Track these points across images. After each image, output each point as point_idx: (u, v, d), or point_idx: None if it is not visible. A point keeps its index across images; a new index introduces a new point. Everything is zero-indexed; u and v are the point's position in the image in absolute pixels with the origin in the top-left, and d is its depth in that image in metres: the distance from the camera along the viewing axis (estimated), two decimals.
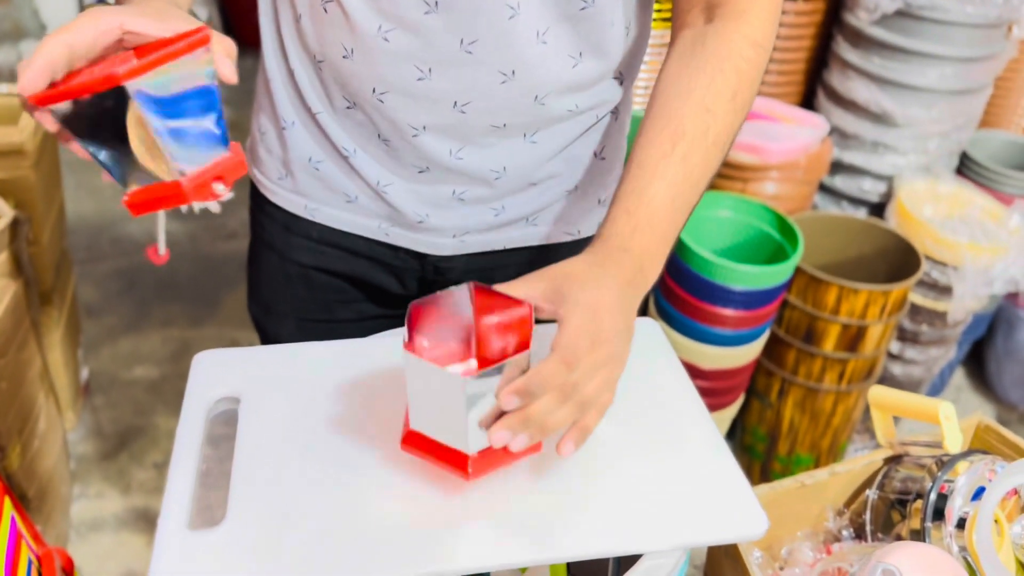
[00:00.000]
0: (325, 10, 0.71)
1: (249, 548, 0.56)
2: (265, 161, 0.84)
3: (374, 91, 0.72)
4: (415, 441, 0.63)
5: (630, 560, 0.61)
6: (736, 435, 1.84)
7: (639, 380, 0.72)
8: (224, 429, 0.67)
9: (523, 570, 0.68)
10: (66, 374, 1.73)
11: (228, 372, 0.71)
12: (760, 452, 1.77)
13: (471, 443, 0.60)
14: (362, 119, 0.76)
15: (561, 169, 0.82)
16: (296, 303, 0.90)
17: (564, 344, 0.56)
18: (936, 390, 2.04)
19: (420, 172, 0.78)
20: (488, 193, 0.80)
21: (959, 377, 2.15)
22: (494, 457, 0.62)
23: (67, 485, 1.62)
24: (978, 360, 2.15)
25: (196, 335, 2.11)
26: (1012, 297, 1.94)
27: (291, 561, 0.56)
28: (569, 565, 0.75)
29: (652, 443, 0.67)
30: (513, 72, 0.70)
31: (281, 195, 0.85)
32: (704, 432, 0.68)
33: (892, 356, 1.81)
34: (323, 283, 0.88)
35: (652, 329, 0.80)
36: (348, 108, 0.76)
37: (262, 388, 0.70)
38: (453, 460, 0.62)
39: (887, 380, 1.84)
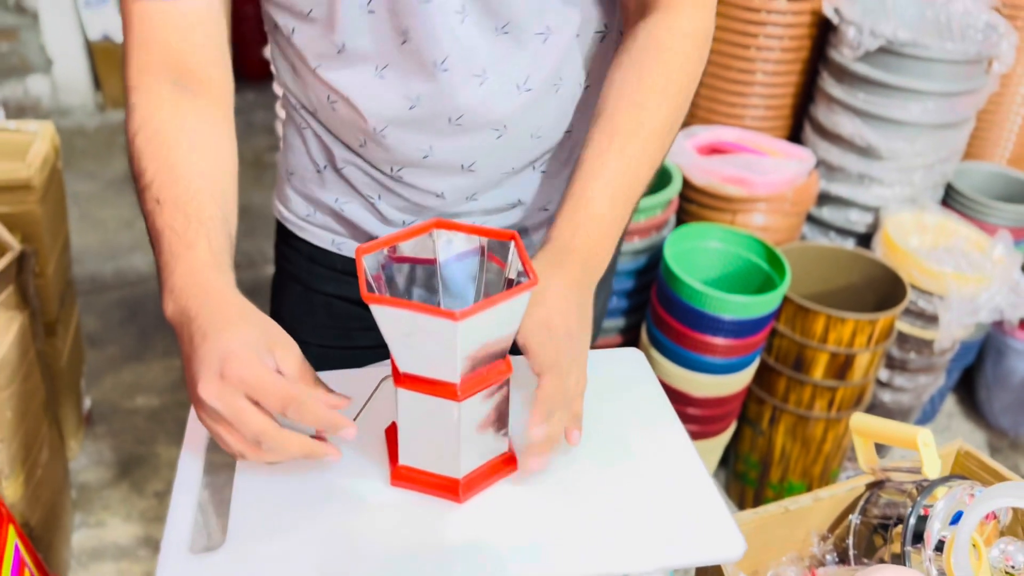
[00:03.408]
0: (333, 109, 0.77)
1: (248, 570, 0.59)
2: (293, 199, 0.90)
3: (391, 169, 0.79)
4: (405, 476, 0.66)
5: None
6: (729, 463, 1.86)
7: (624, 409, 0.76)
8: (224, 458, 0.70)
9: None
10: (69, 404, 1.75)
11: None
12: (753, 479, 1.79)
13: (462, 466, 0.64)
14: (385, 179, 0.82)
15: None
16: (318, 330, 0.94)
17: (547, 363, 0.63)
18: (927, 417, 2.07)
19: (443, 213, 0.84)
20: (512, 217, 0.86)
21: (950, 404, 2.17)
22: (478, 479, 0.66)
23: (69, 514, 1.64)
24: (968, 387, 2.18)
25: None
26: (1000, 325, 1.98)
27: None
28: None
29: (636, 470, 0.69)
30: (505, 126, 0.76)
31: (309, 230, 0.90)
32: (686, 460, 0.71)
33: (881, 384, 1.84)
34: (344, 311, 0.93)
35: (638, 359, 0.83)
36: (370, 174, 0.83)
37: None
38: (444, 487, 0.66)
39: (877, 408, 1.87)
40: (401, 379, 0.62)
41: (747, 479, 1.81)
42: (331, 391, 0.63)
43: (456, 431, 0.63)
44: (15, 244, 1.38)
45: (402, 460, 0.67)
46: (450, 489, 0.66)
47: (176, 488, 0.66)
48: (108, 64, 3.36)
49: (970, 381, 2.16)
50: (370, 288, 0.59)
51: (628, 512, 0.65)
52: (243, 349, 0.58)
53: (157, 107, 0.69)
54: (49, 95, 3.38)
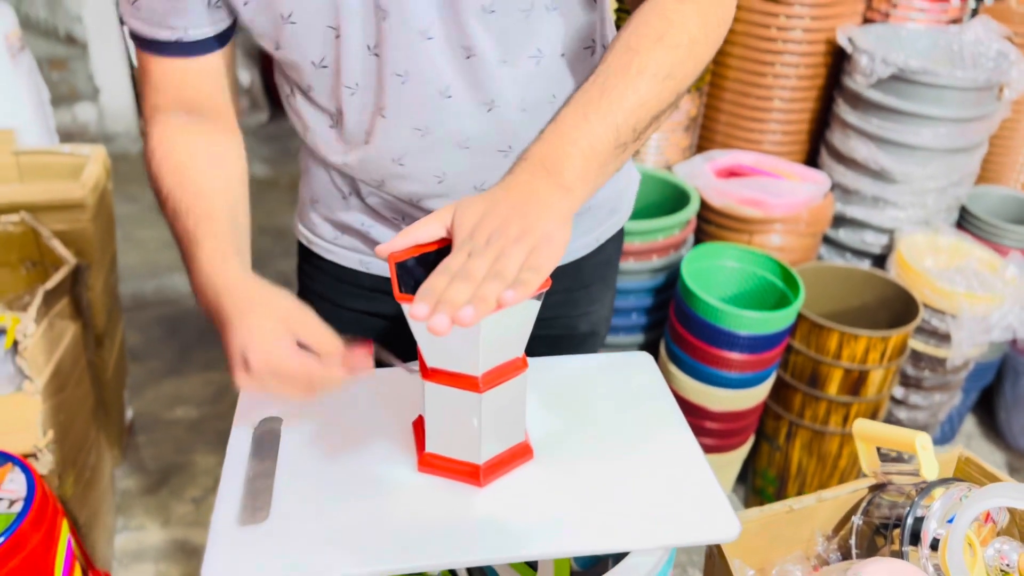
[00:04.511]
0: (347, 163, 0.85)
1: (290, 540, 0.66)
2: (319, 225, 0.96)
3: (412, 200, 0.86)
4: (430, 462, 0.73)
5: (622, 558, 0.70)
6: (748, 478, 1.90)
7: (633, 406, 0.82)
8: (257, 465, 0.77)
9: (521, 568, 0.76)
10: (113, 414, 1.84)
11: (272, 397, 0.82)
12: (770, 495, 1.83)
13: (483, 453, 0.71)
14: (405, 206, 0.88)
15: None
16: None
17: (454, 216, 0.63)
18: (946, 438, 2.09)
19: None
20: None
21: (969, 425, 2.19)
22: (497, 465, 0.73)
23: (112, 516, 1.72)
24: (987, 408, 2.20)
25: None
26: (1016, 345, 2.00)
27: (327, 551, 0.65)
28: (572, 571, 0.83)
29: (641, 459, 0.75)
30: (510, 147, 0.81)
31: (336, 252, 0.96)
32: (687, 450, 0.77)
33: (897, 401, 1.88)
34: (374, 325, 0.99)
35: (646, 361, 0.89)
36: (392, 204, 0.89)
37: (301, 410, 0.80)
38: (467, 473, 0.72)
39: (893, 425, 1.90)
40: (428, 373, 0.69)
41: (765, 494, 1.84)
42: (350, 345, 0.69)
43: (477, 421, 0.69)
44: (71, 258, 1.48)
45: (428, 448, 0.73)
46: (472, 474, 0.72)
47: (225, 469, 0.73)
48: None
49: (989, 402, 2.18)
50: (402, 290, 0.66)
51: (632, 497, 0.71)
52: (258, 340, 0.67)
53: (169, 132, 0.79)
54: (96, 121, 3.53)
